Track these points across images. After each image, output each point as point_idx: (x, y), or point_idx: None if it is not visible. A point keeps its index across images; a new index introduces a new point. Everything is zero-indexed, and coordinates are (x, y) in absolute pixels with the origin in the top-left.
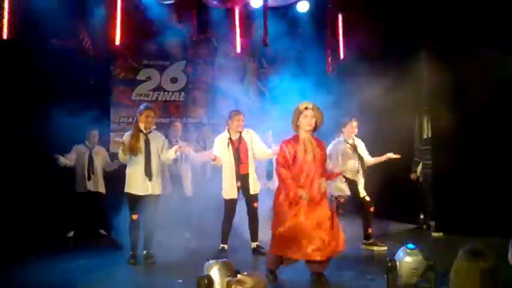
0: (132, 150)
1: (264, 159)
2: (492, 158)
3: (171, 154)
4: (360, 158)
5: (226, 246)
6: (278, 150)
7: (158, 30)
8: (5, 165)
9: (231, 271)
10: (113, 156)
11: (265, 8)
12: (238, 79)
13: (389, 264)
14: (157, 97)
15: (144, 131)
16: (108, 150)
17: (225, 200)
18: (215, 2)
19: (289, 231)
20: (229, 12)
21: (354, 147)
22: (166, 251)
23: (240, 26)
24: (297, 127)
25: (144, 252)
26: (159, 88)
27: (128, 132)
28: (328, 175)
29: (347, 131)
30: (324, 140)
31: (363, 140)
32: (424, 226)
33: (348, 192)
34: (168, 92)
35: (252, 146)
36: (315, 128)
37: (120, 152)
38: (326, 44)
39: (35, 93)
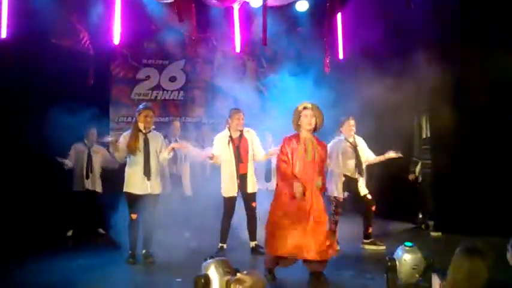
0: (131, 150)
1: (262, 161)
2: (491, 157)
3: (166, 154)
4: (358, 157)
5: (225, 246)
6: (275, 151)
7: (157, 29)
8: (3, 165)
9: (229, 269)
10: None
11: (265, 7)
12: (238, 78)
13: (389, 263)
14: (156, 96)
15: (143, 131)
16: (108, 149)
17: (225, 198)
18: (214, 1)
19: (283, 231)
20: (229, 11)
21: (354, 146)
22: (166, 250)
23: (239, 25)
24: (298, 126)
25: (144, 251)
26: (158, 87)
27: (127, 132)
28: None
29: (345, 129)
30: (324, 140)
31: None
32: (423, 226)
33: (342, 195)
34: (167, 91)
35: (252, 146)
36: (316, 128)
37: (111, 151)
38: (325, 43)
39: (34, 92)
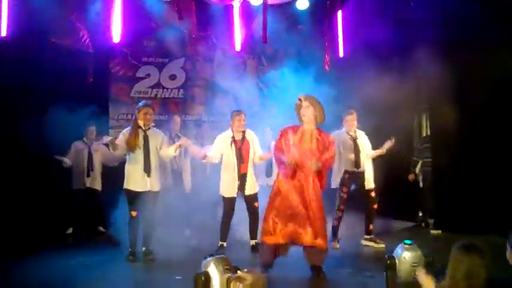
0: (131, 147)
1: (256, 163)
2: (491, 156)
3: (171, 151)
4: (357, 150)
5: (225, 244)
6: (266, 156)
7: (157, 27)
8: (3, 163)
9: (229, 267)
10: None
11: (265, 5)
12: (238, 76)
13: (388, 261)
14: (156, 94)
15: (143, 128)
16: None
17: (224, 198)
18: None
19: (279, 216)
20: (229, 10)
21: (354, 139)
22: (166, 247)
23: (239, 23)
24: (300, 120)
25: (143, 248)
26: (158, 85)
27: (126, 129)
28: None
29: (346, 123)
30: None
31: None
32: (423, 224)
33: (342, 187)
34: (167, 89)
35: (253, 148)
36: (317, 119)
37: (110, 149)
38: (325, 41)
39: (34, 91)
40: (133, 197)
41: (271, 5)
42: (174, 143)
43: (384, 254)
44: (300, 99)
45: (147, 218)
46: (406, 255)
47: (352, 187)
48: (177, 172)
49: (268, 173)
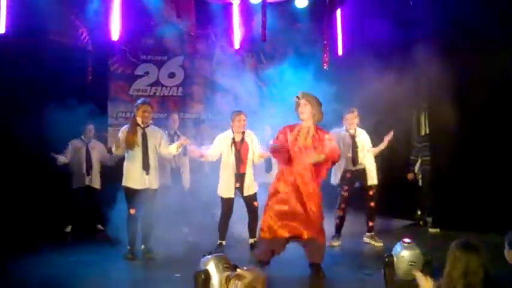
0: (129, 145)
1: (256, 162)
2: (490, 154)
3: (173, 149)
4: (355, 148)
5: (223, 242)
6: (264, 154)
7: (156, 25)
8: (1, 161)
9: (228, 265)
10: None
11: (264, 3)
12: (237, 74)
13: (386, 259)
14: (155, 92)
15: (142, 125)
16: (106, 145)
17: (222, 198)
18: None
19: (277, 214)
20: (228, 8)
21: (353, 137)
22: (165, 246)
23: (238, 21)
24: (299, 118)
25: (142, 246)
26: (156, 83)
27: (125, 127)
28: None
29: (346, 121)
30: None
31: None
32: (421, 222)
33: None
34: (166, 87)
35: (253, 149)
36: (315, 117)
37: (113, 147)
38: (324, 39)
39: (33, 89)
40: (132, 195)
41: (270, 3)
42: (173, 141)
43: (383, 252)
44: (298, 97)
45: (146, 216)
46: (404, 254)
47: (356, 184)
48: (176, 170)
49: (268, 169)
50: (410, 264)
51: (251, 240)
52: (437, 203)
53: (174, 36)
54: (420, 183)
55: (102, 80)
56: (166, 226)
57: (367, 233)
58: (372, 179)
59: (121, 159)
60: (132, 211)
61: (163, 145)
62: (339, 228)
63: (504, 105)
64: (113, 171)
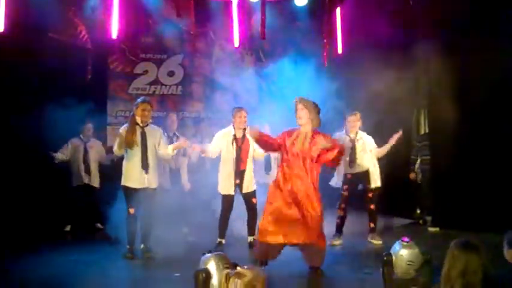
0: (128, 144)
1: (260, 158)
2: (490, 154)
3: (169, 151)
4: (353, 153)
5: (223, 241)
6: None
7: (155, 23)
8: (0, 160)
9: (228, 264)
10: (110, 149)
11: (263, 1)
12: (236, 72)
13: (385, 258)
14: (154, 91)
15: (141, 125)
16: (105, 143)
17: (222, 195)
18: None
19: (274, 218)
20: (227, 5)
21: (353, 141)
22: (164, 245)
23: (237, 19)
24: (297, 123)
25: (142, 246)
26: (156, 82)
27: (124, 126)
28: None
29: (348, 124)
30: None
31: None
32: (421, 221)
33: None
34: (165, 85)
35: (253, 146)
36: (313, 122)
37: (115, 146)
38: (323, 38)
39: (32, 87)
40: (131, 194)
41: (270, 1)
42: (172, 142)
43: (382, 251)
44: (296, 102)
45: (145, 215)
46: (403, 253)
47: (359, 187)
48: (175, 170)
49: (267, 169)
50: (408, 264)
51: (250, 239)
52: (436, 202)
53: (174, 35)
54: (420, 182)
55: (102, 78)
56: (166, 225)
57: (369, 234)
58: (375, 181)
59: (119, 158)
60: (132, 210)
61: (162, 145)
62: (339, 228)
63: (504, 105)
64: (111, 170)
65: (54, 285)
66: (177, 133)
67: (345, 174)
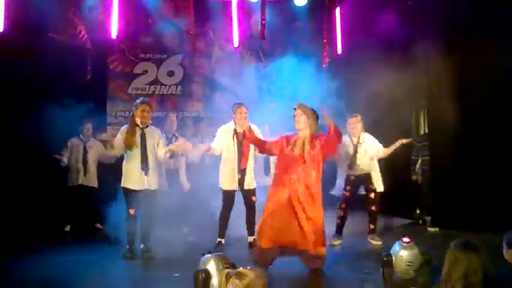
0: (128, 145)
1: (261, 155)
2: (489, 154)
3: (162, 153)
4: (355, 156)
5: (223, 241)
6: None
7: (155, 23)
8: (0, 160)
9: (228, 264)
10: None
11: (263, 1)
12: (236, 72)
13: (385, 258)
14: (154, 91)
15: (140, 126)
16: (105, 143)
17: (224, 190)
18: None
19: (272, 222)
20: (227, 5)
21: (355, 145)
22: (164, 245)
23: (237, 19)
24: (296, 128)
25: (142, 246)
26: (155, 82)
27: (124, 126)
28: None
29: (349, 126)
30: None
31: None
32: (420, 221)
33: (344, 191)
34: (165, 85)
35: None
36: (311, 127)
37: (108, 148)
38: (323, 38)
39: (31, 87)
40: (131, 196)
41: (269, 1)
42: (171, 143)
43: (383, 251)
44: (294, 108)
45: (145, 216)
46: (402, 254)
47: (361, 190)
48: (173, 170)
49: (267, 171)
50: (408, 264)
51: (250, 239)
52: (436, 202)
53: (173, 35)
54: (420, 182)
55: (101, 78)
56: (166, 225)
57: (369, 234)
58: (378, 185)
59: (120, 158)
60: (132, 211)
61: (159, 146)
62: (340, 228)
63: (504, 105)
64: (111, 170)
65: (54, 285)
66: (176, 134)
67: (348, 176)
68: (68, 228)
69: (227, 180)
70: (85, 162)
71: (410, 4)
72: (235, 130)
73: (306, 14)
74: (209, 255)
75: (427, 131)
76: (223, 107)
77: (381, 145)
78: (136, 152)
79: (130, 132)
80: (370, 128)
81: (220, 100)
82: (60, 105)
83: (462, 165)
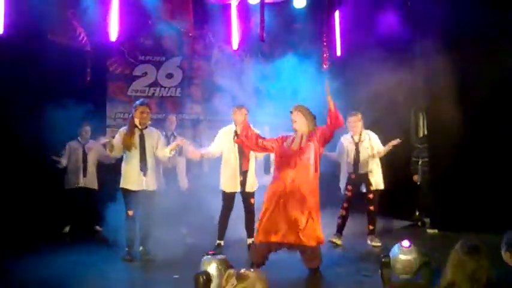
0: (127, 146)
1: (260, 157)
2: (488, 156)
3: (166, 152)
4: (357, 154)
5: (222, 243)
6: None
7: (154, 25)
8: (0, 161)
9: (229, 268)
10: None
11: (262, 3)
12: (235, 75)
13: (383, 260)
14: (153, 93)
15: (139, 127)
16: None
17: (224, 192)
18: None
19: (269, 216)
20: (226, 8)
21: (356, 143)
22: (163, 247)
23: (236, 21)
24: (293, 128)
25: (141, 248)
26: (155, 84)
27: (123, 128)
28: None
29: (349, 124)
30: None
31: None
32: (419, 223)
33: (345, 190)
34: (164, 87)
35: None
36: (309, 126)
37: (107, 150)
38: (323, 40)
39: (31, 89)
40: (130, 196)
41: (268, 4)
42: (169, 142)
43: (382, 253)
44: (291, 112)
45: (144, 217)
46: (402, 257)
47: (362, 188)
48: (172, 171)
49: (267, 170)
50: (407, 267)
51: (249, 241)
52: (435, 204)
53: (172, 37)
54: (419, 183)
55: (101, 80)
56: (164, 227)
57: (368, 236)
58: (378, 183)
59: (119, 159)
60: (130, 212)
61: (160, 147)
62: (340, 228)
63: (503, 105)
64: (110, 172)
65: (53, 286)
66: (175, 133)
67: (349, 174)
68: (67, 229)
69: (228, 182)
70: (84, 164)
71: (410, 4)
72: (235, 132)
73: (305, 16)
74: (210, 256)
75: (426, 133)
76: (223, 109)
77: (381, 145)
78: (135, 152)
79: (129, 133)
80: (370, 128)
81: (220, 102)
82: (60, 107)
83: (461, 166)
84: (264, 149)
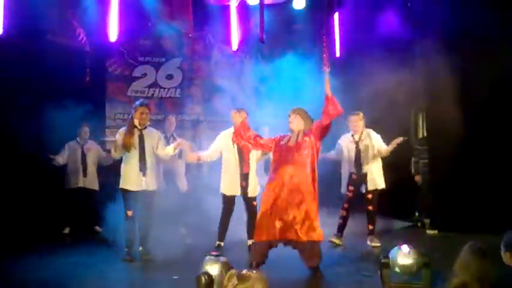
0: (126, 146)
1: (261, 159)
2: (488, 156)
3: (169, 150)
4: (358, 154)
5: (222, 244)
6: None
7: (154, 26)
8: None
9: (230, 269)
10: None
11: (262, 4)
12: (235, 75)
13: (382, 261)
14: (153, 94)
15: (139, 127)
16: (104, 145)
17: (225, 196)
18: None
19: (268, 213)
20: (225, 9)
21: (356, 142)
22: (163, 247)
23: (236, 22)
24: (291, 130)
25: (140, 248)
26: (155, 85)
27: (122, 128)
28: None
29: (350, 124)
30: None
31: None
32: (419, 224)
33: (346, 190)
34: (164, 88)
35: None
36: (306, 127)
37: (112, 150)
38: (322, 41)
39: (30, 89)
40: (129, 197)
41: (268, 5)
42: (169, 144)
43: (382, 253)
44: (289, 115)
45: (144, 217)
46: (401, 257)
47: (362, 188)
48: (171, 172)
49: (267, 171)
50: (407, 268)
51: (250, 242)
52: (435, 205)
53: (172, 38)
54: (419, 184)
55: (100, 81)
56: (164, 227)
57: (368, 236)
58: (379, 183)
59: (119, 161)
60: (130, 213)
61: (160, 147)
62: (341, 228)
63: (503, 106)
64: (110, 172)
65: (54, 286)
66: (174, 134)
67: (350, 174)
68: (67, 230)
69: (228, 185)
70: (84, 164)
71: (410, 5)
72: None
73: (304, 17)
74: (212, 257)
75: (425, 134)
76: (222, 110)
77: (383, 144)
78: (135, 153)
79: (128, 134)
80: (369, 128)
81: (220, 103)
82: (59, 107)
83: (461, 167)
84: (261, 146)
